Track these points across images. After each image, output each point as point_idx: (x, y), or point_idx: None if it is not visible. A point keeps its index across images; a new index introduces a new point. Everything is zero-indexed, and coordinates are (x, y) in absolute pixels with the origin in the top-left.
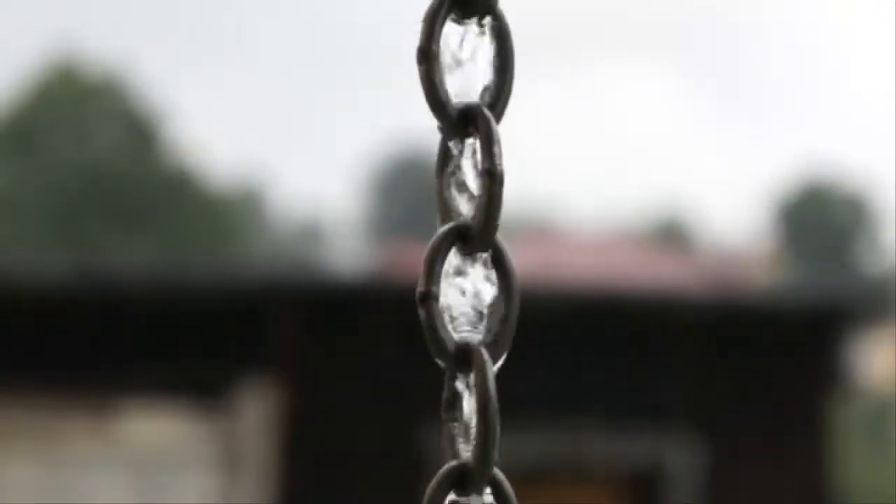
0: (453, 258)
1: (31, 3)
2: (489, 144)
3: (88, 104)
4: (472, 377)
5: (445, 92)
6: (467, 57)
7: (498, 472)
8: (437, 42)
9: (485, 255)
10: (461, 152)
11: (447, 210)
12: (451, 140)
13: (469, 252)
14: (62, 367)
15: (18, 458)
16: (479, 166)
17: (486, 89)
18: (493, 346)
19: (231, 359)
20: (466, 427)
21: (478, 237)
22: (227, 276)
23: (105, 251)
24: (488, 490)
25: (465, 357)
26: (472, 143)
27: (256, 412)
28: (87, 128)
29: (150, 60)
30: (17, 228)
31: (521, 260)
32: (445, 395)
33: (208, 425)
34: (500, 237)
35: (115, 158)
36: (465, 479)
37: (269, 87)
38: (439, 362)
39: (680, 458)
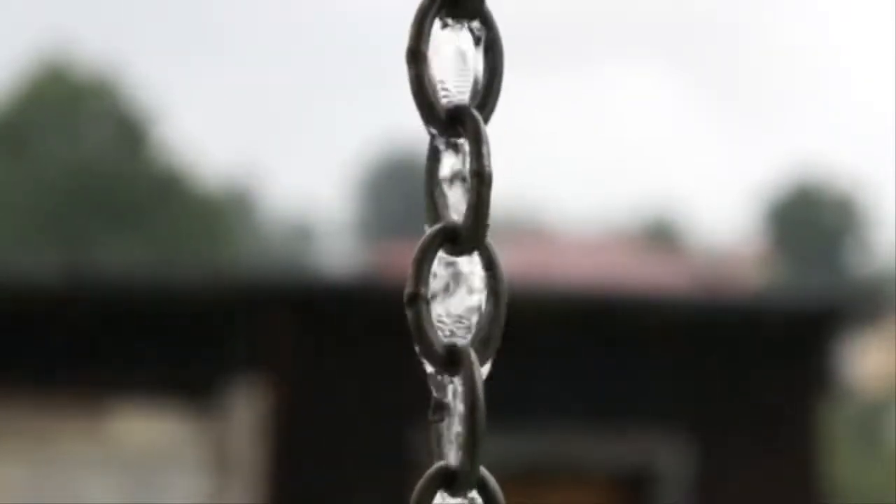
0: (442, 258)
1: (21, 2)
2: (477, 145)
3: (79, 104)
4: (460, 378)
5: (434, 93)
6: (457, 58)
7: (485, 473)
8: (427, 43)
9: (474, 256)
10: (450, 153)
11: (436, 211)
12: (440, 141)
13: (458, 252)
14: (52, 367)
15: (8, 458)
16: (468, 167)
17: (475, 90)
18: (482, 347)
19: (222, 359)
20: (454, 428)
21: (467, 238)
22: (218, 276)
23: (95, 251)
24: (475, 490)
25: (453, 358)
26: (461, 144)
27: (247, 412)
28: (78, 127)
29: (140, 60)
30: (7, 228)
31: (512, 260)
32: (434, 396)
33: (199, 425)
34: (490, 238)
35: (106, 158)
36: (452, 480)
37: (260, 87)
38: (427, 363)
39: (670, 459)
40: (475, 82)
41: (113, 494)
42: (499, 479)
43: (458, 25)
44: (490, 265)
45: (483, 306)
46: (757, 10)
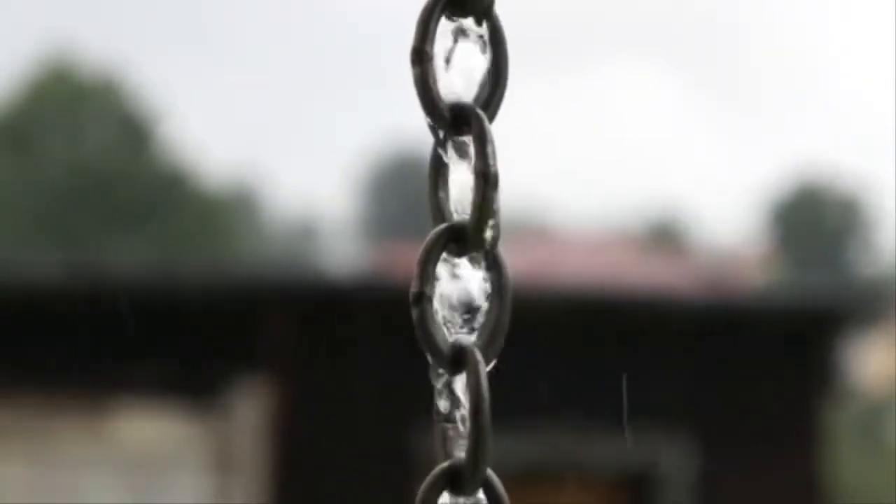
0: (447, 258)
1: (25, 2)
2: (482, 145)
3: (82, 104)
4: (465, 378)
5: (439, 92)
6: (461, 57)
7: (490, 473)
8: (432, 42)
9: (478, 256)
10: (455, 153)
11: (440, 211)
12: (444, 140)
13: (463, 252)
14: (55, 367)
15: (11, 458)
16: (473, 167)
17: (480, 90)
18: (487, 346)
19: (225, 358)
20: (459, 428)
21: (471, 238)
22: (221, 276)
23: (99, 251)
24: (480, 491)
25: (458, 358)
26: (466, 144)
27: (250, 412)
28: (82, 127)
29: (144, 60)
30: (10, 227)
31: (515, 260)
32: (438, 395)
33: (202, 425)
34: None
35: (110, 158)
36: (457, 480)
37: (264, 86)
38: (432, 362)
39: (673, 460)
40: (480, 82)
41: (115, 494)
42: (501, 479)
43: (464, 24)
44: (495, 265)
45: (488, 306)
46: (757, 10)
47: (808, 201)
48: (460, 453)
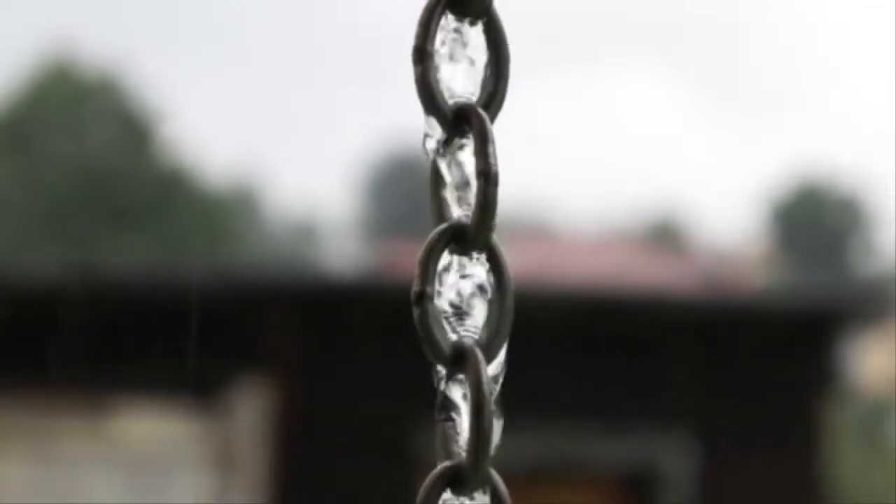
0: (448, 258)
1: (26, 2)
2: (484, 144)
3: (84, 103)
4: (466, 377)
5: (440, 92)
6: (462, 57)
7: (492, 472)
8: (433, 42)
9: (480, 255)
10: (456, 152)
11: (442, 210)
12: (445, 140)
13: (464, 252)
14: (56, 366)
15: (12, 457)
16: (474, 166)
17: (481, 89)
18: (488, 346)
19: (226, 358)
20: (461, 427)
21: (473, 237)
22: (222, 275)
23: (100, 250)
24: (482, 490)
25: (459, 357)
26: (467, 143)
27: (251, 411)
28: (83, 126)
29: (145, 59)
30: (11, 226)
31: (516, 260)
32: (439, 394)
33: (203, 424)
34: (495, 237)
35: (111, 157)
36: (459, 479)
37: (265, 86)
38: (433, 362)
39: (674, 459)
40: (481, 81)
41: (116, 493)
42: (502, 479)
43: (464, 24)
44: (496, 264)
45: (489, 305)
46: (757, 10)
47: (809, 201)
48: (462, 452)
